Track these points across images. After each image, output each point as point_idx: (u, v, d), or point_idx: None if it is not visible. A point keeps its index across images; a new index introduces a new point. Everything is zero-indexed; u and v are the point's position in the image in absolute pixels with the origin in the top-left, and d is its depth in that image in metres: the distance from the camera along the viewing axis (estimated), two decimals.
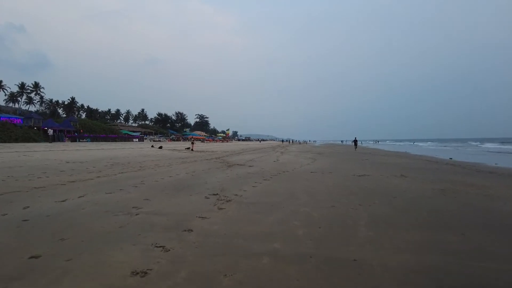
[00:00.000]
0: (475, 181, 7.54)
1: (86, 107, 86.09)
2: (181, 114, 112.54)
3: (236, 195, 5.44)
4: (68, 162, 11.03)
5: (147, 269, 2.35)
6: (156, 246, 2.84)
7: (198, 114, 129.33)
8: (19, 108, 69.66)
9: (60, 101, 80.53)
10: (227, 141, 77.21)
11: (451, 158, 17.64)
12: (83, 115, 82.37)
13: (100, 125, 54.82)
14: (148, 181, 6.99)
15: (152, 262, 2.49)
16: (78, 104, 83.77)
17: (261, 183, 6.91)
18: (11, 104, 71.60)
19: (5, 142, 27.93)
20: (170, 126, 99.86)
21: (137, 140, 51.84)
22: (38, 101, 76.35)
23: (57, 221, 3.66)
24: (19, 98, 73.34)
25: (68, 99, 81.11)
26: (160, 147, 26.44)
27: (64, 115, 74.03)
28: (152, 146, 28.22)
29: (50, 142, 32.47)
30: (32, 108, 74.04)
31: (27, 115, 46.82)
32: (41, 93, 75.94)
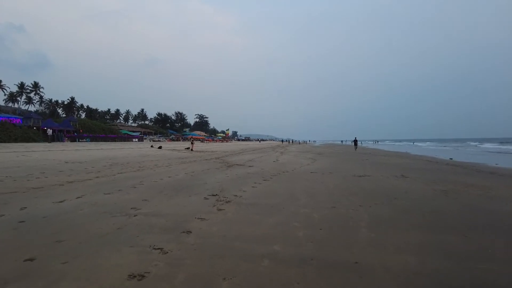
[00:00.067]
0: (476, 181, 7.50)
1: (85, 107, 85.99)
2: (181, 114, 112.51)
3: (236, 195, 5.40)
4: (67, 162, 10.98)
5: (145, 272, 2.31)
6: (154, 248, 2.79)
7: (198, 114, 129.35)
8: (19, 108, 69.53)
9: (60, 101, 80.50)
10: (226, 141, 77.15)
11: (451, 159, 17.61)
12: (83, 115, 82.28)
13: (99, 125, 54.71)
14: (147, 181, 6.94)
15: (150, 265, 2.44)
16: (77, 104, 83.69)
17: (261, 184, 6.86)
18: (10, 104, 71.48)
19: (4, 142, 27.85)
20: (169, 126, 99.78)
21: (136, 140, 51.76)
22: (37, 101, 76.29)
23: (54, 222, 3.61)
24: (18, 98, 73.25)
25: (68, 99, 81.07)
26: (160, 147, 26.39)
27: (64, 115, 73.90)
28: (152, 146, 28.16)
29: (49, 142, 32.39)
30: (32, 108, 74.00)
31: (26, 115, 46.71)
32: (41, 93, 75.89)
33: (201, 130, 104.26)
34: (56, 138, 36.74)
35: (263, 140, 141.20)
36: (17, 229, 3.33)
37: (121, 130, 60.76)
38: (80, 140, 40.77)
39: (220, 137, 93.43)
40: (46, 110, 76.42)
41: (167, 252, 2.70)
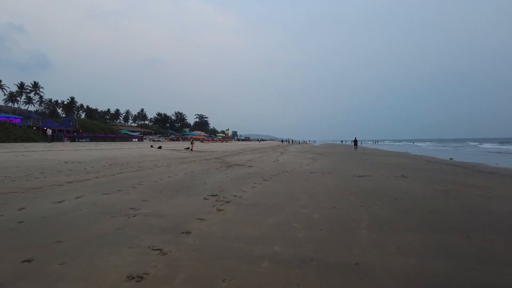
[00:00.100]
0: (477, 181, 7.48)
1: (85, 107, 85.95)
2: (181, 114, 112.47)
3: (236, 196, 5.37)
4: (66, 162, 10.95)
5: (143, 273, 2.28)
6: (153, 249, 2.76)
7: (198, 114, 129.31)
8: (18, 108, 69.46)
9: (60, 101, 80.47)
10: (226, 141, 77.12)
11: (451, 159, 17.59)
12: (83, 115, 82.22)
13: (99, 125, 54.63)
14: (146, 181, 6.92)
15: (149, 266, 2.42)
16: (77, 104, 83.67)
17: (261, 184, 6.84)
18: (10, 104, 71.44)
19: (4, 142, 27.79)
20: (169, 126, 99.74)
21: (136, 140, 51.71)
22: (37, 101, 76.26)
23: (53, 223, 3.59)
24: (18, 98, 73.21)
25: (68, 99, 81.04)
26: (159, 147, 26.36)
27: (64, 115, 73.84)
28: (151, 146, 28.13)
29: (49, 142, 32.35)
30: (32, 108, 73.95)
31: (26, 114, 46.65)
32: (41, 93, 75.86)
33: (201, 130, 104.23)
34: (55, 138, 36.69)
35: (263, 140, 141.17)
36: (16, 230, 3.30)
37: (121, 130, 60.70)
38: (80, 140, 40.72)
39: (220, 137, 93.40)
40: (46, 110, 76.38)
41: (166, 253, 2.68)
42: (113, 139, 46.61)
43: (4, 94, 71.07)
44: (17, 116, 43.03)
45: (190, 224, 3.61)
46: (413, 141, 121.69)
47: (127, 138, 52.56)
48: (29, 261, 2.48)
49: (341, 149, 33.83)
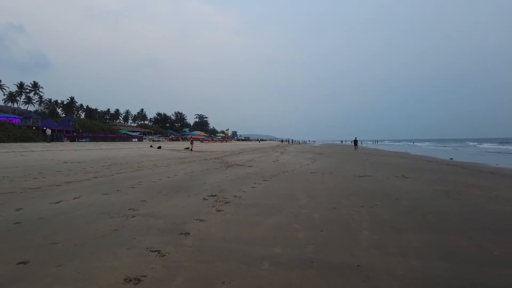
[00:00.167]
0: (478, 182, 7.44)
1: (85, 107, 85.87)
2: (181, 114, 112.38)
3: (235, 196, 5.33)
4: (65, 162, 10.91)
5: (141, 276, 2.24)
6: (151, 251, 2.72)
7: (198, 114, 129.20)
8: (18, 108, 69.35)
9: (59, 101, 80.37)
10: (226, 141, 77.06)
11: (451, 159, 17.56)
12: (82, 115, 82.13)
13: (99, 125, 54.55)
14: (145, 181, 6.88)
15: (147, 268, 2.38)
16: (77, 104, 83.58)
17: (261, 184, 6.80)
18: (10, 104, 71.34)
19: (3, 142, 27.73)
20: (169, 126, 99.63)
21: (136, 140, 51.63)
22: (37, 101, 76.18)
23: (50, 223, 3.55)
24: (18, 98, 73.12)
25: (67, 99, 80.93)
26: (159, 147, 26.31)
27: (63, 115, 73.74)
28: (151, 146, 28.08)
29: (49, 142, 32.29)
30: (31, 108, 73.86)
31: (25, 114, 46.56)
32: (40, 93, 75.78)
33: (201, 130, 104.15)
34: (55, 138, 36.62)
35: (262, 140, 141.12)
36: (12, 231, 3.26)
37: (120, 130, 60.61)
38: (80, 140, 40.65)
39: (219, 137, 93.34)
40: (45, 110, 76.29)
41: (165, 255, 2.64)
42: (113, 139, 46.53)
43: (4, 94, 71.10)
44: (16, 116, 42.95)
45: (189, 224, 3.57)
46: (413, 141, 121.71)
47: (126, 138, 52.48)
48: (24, 263, 2.43)
49: (341, 149, 33.79)
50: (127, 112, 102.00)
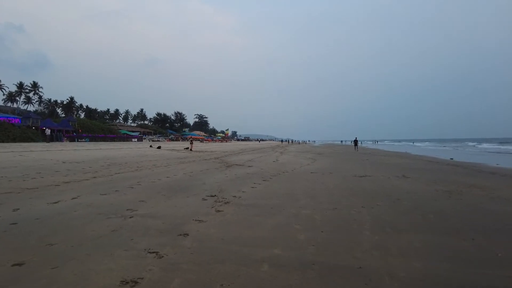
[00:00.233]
0: (479, 182, 7.40)
1: (85, 107, 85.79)
2: (180, 114, 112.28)
3: (235, 196, 5.28)
4: (64, 162, 10.86)
5: (138, 278, 2.19)
6: (149, 252, 2.67)
7: (197, 114, 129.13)
8: (18, 108, 69.25)
9: (59, 101, 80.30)
10: (226, 141, 77.01)
11: (452, 159, 17.52)
12: (82, 115, 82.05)
13: (98, 125, 54.49)
14: (144, 181, 6.83)
15: (144, 270, 2.33)
16: (77, 104, 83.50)
17: (261, 184, 6.75)
18: (9, 104, 71.25)
19: (2, 142, 27.67)
20: (169, 126, 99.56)
21: (136, 140, 51.57)
22: (36, 101, 76.07)
23: (47, 224, 3.50)
24: (17, 98, 73.02)
25: (67, 99, 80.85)
26: (159, 147, 26.26)
27: (63, 115, 73.65)
28: (151, 146, 28.03)
29: (48, 142, 32.23)
30: (31, 108, 73.77)
31: (25, 114, 46.50)
32: (40, 93, 75.64)
33: (201, 130, 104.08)
34: (55, 138, 36.57)
35: (262, 140, 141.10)
36: (8, 232, 3.21)
37: (120, 130, 60.55)
38: (79, 140, 40.59)
39: (219, 137, 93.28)
40: (45, 110, 76.21)
41: (163, 256, 2.59)
42: (113, 139, 46.48)
43: (3, 94, 70.98)
44: (16, 116, 42.89)
45: (188, 225, 3.52)
46: (413, 141, 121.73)
47: (126, 138, 52.43)
48: (20, 264, 2.38)
49: (341, 149, 33.75)
50: (127, 112, 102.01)
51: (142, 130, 75.43)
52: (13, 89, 71.68)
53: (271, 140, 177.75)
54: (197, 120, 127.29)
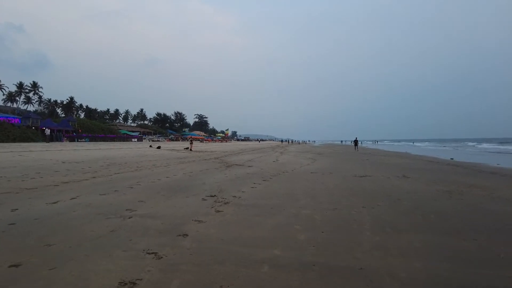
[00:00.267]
0: (479, 182, 7.38)
1: (85, 107, 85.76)
2: (180, 114, 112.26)
3: (235, 196, 5.26)
4: (63, 162, 10.83)
5: (137, 279, 2.17)
6: (148, 253, 2.65)
7: (197, 114, 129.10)
8: (18, 108, 69.22)
9: (59, 101, 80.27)
10: (226, 141, 76.99)
11: (452, 159, 17.50)
12: (82, 115, 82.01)
13: (98, 125, 54.48)
14: (144, 182, 6.80)
15: (143, 271, 2.30)
16: (76, 104, 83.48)
17: (260, 184, 6.73)
18: (9, 104, 71.22)
19: (2, 142, 27.65)
20: (169, 126, 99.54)
21: (135, 140, 51.55)
22: (36, 101, 76.04)
23: (46, 224, 3.48)
24: (17, 98, 73.00)
25: (67, 99, 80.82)
26: (159, 147, 26.23)
27: (63, 115, 73.62)
28: (150, 146, 28.01)
29: (48, 142, 32.20)
30: (31, 108, 73.73)
31: (25, 114, 46.48)
32: (40, 93, 75.60)
33: (201, 130, 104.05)
34: (55, 138, 36.55)
35: (262, 140, 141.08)
36: (6, 232, 3.18)
37: (120, 130, 60.53)
38: (79, 140, 40.57)
39: (219, 137, 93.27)
40: (45, 110, 76.18)
41: (162, 257, 2.56)
42: (112, 139, 46.46)
43: (3, 94, 70.94)
44: (16, 116, 42.86)
45: (187, 226, 3.50)
46: (413, 141, 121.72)
47: (126, 138, 52.41)
48: (16, 265, 2.36)
49: (341, 149, 33.73)
50: (127, 112, 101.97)
51: (142, 130, 75.42)
52: (13, 89, 71.75)
53: (271, 140, 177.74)
54: (197, 120, 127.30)
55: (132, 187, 6.02)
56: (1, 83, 69.45)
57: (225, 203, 4.71)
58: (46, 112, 74.01)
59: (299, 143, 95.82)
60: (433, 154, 24.47)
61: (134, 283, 2.11)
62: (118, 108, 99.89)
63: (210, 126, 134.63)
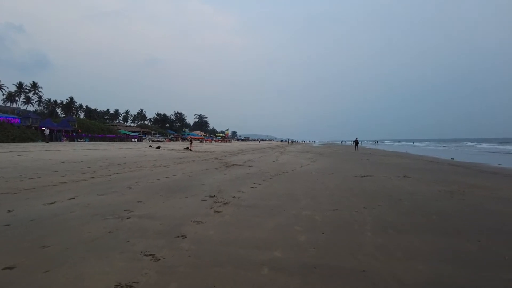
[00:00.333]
0: (481, 182, 7.32)
1: (84, 107, 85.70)
2: (180, 114, 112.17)
3: (234, 197, 5.20)
4: (63, 162, 10.77)
5: (133, 282, 2.11)
6: (145, 255, 2.59)
7: (197, 114, 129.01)
8: (17, 108, 69.15)
9: (59, 101, 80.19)
10: (226, 141, 76.93)
11: (452, 159, 17.44)
12: (82, 115, 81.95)
13: (98, 125, 54.43)
14: (143, 182, 6.75)
15: (140, 273, 2.25)
16: (76, 104, 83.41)
17: (260, 184, 6.67)
18: (9, 104, 71.16)
19: (2, 142, 27.60)
20: (169, 126, 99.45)
21: (135, 140, 51.50)
22: (36, 101, 75.97)
23: (42, 226, 3.42)
24: (17, 98, 72.94)
25: (67, 99, 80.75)
26: (158, 147, 26.17)
27: (63, 115, 73.56)
28: (150, 146, 27.95)
29: (47, 142, 32.15)
30: (31, 108, 73.66)
31: (25, 114, 46.42)
32: (39, 93, 75.52)
33: (201, 130, 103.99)
34: (54, 138, 36.49)
35: (262, 140, 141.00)
36: (1, 233, 3.13)
37: (120, 130, 60.47)
38: (79, 140, 40.52)
39: (219, 137, 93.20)
40: (45, 110, 76.11)
41: (159, 259, 2.51)
42: (112, 139, 46.41)
43: (3, 94, 70.87)
44: (15, 116, 42.80)
45: (186, 227, 3.44)
46: (413, 141, 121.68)
47: (126, 138, 52.36)
48: (11, 268, 2.30)
49: (341, 149, 33.67)
50: (127, 112, 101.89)
51: (142, 130, 75.35)
52: (13, 89, 71.67)
53: (271, 140, 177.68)
54: (197, 120, 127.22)
55: (131, 187, 5.96)
56: (1, 83, 69.43)
57: (224, 204, 4.65)
58: (46, 112, 73.95)
59: (299, 143, 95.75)
60: (433, 154, 24.41)
61: (131, 286, 2.06)
62: (118, 108, 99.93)
63: (210, 126, 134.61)
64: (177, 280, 2.16)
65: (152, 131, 78.88)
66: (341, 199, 5.17)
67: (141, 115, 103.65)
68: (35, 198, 4.89)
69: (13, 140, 29.70)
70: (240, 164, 11.98)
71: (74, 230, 3.26)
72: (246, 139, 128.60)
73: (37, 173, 7.87)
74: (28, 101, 74.35)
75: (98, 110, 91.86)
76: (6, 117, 38.55)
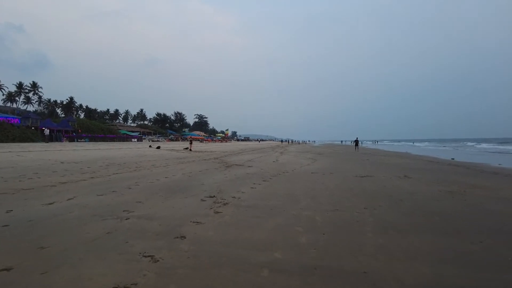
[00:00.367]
0: (481, 182, 7.30)
1: (84, 107, 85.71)
2: (180, 114, 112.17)
3: (234, 197, 5.18)
4: (62, 163, 10.75)
5: (131, 284, 2.09)
6: (144, 256, 2.57)
7: (197, 114, 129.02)
8: (17, 108, 69.14)
9: (59, 101, 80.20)
10: (226, 141, 76.91)
11: (453, 159, 17.42)
12: (82, 115, 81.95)
13: (98, 125, 54.43)
14: (142, 182, 6.72)
15: (138, 275, 2.22)
16: (76, 104, 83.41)
17: (260, 184, 6.65)
18: (9, 104, 71.16)
19: (1, 142, 27.58)
20: (169, 126, 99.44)
21: (135, 140, 51.49)
22: (36, 101, 75.97)
23: (40, 226, 3.39)
24: (17, 98, 72.93)
25: (67, 99, 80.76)
26: (158, 147, 26.15)
27: (63, 115, 73.55)
28: (150, 146, 27.92)
29: (47, 142, 32.13)
30: (31, 108, 73.68)
31: (24, 115, 46.42)
32: (39, 93, 75.54)
33: (201, 130, 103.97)
34: (54, 138, 36.48)
35: (262, 140, 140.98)
36: None
37: (120, 130, 60.47)
38: (79, 140, 40.50)
39: (219, 137, 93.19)
40: (44, 110, 76.11)
41: (158, 260, 2.48)
42: (112, 139, 46.40)
43: (3, 94, 70.88)
44: (15, 116, 42.78)
45: (185, 227, 3.42)
46: (413, 141, 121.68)
47: (126, 138, 52.35)
48: (8, 269, 2.28)
49: (341, 149, 33.65)
50: (127, 112, 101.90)
51: (142, 130, 75.35)
52: (13, 89, 71.69)
53: (271, 140, 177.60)
54: (197, 120, 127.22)
55: (130, 188, 5.94)
56: (1, 83, 69.41)
57: (224, 204, 4.63)
58: (46, 112, 73.96)
59: (299, 143, 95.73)
60: (433, 154, 24.39)
61: None
62: (118, 108, 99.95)
63: (210, 126, 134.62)
64: (176, 282, 2.14)
65: (152, 131, 78.87)
66: (341, 199, 5.14)
67: (141, 115, 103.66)
68: (34, 198, 4.86)
69: (13, 140, 29.69)
70: (240, 164, 11.96)
71: (73, 231, 3.24)
72: (246, 139, 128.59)
73: (37, 173, 7.85)
74: (28, 101, 74.36)
75: (98, 110, 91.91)
76: (6, 117, 38.52)
